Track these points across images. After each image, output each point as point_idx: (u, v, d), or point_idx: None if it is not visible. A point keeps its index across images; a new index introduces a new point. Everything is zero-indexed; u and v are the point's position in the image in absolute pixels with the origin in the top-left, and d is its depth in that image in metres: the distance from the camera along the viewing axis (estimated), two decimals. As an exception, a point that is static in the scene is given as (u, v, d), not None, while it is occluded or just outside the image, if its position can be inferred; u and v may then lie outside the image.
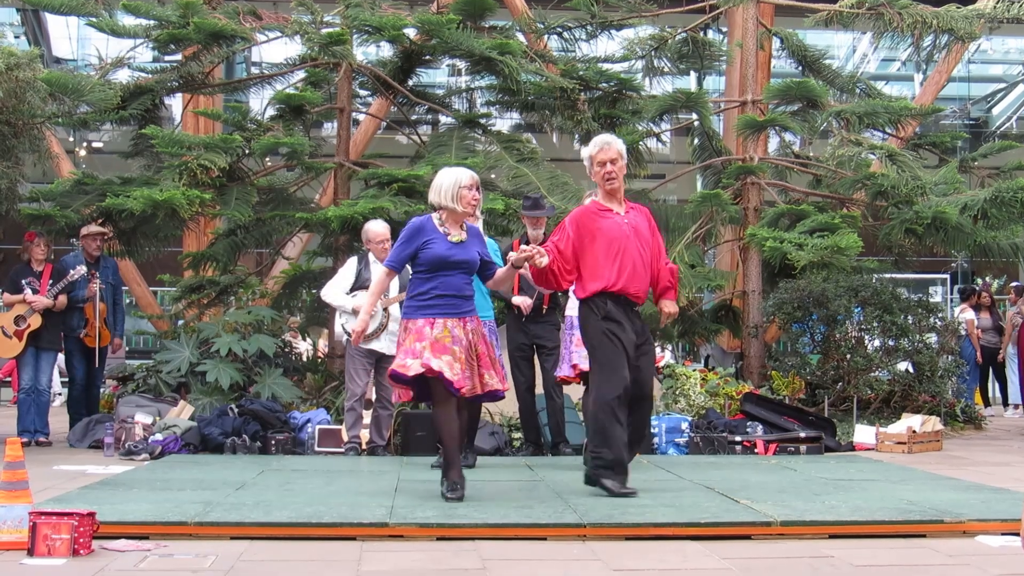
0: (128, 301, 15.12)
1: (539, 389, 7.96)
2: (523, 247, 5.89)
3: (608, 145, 5.89)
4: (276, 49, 13.01)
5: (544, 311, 7.74)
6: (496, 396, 5.76)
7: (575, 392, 8.26)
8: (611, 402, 5.68)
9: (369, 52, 12.98)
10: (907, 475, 6.82)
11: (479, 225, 6.98)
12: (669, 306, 6.07)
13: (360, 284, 7.83)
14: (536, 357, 7.88)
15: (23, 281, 8.67)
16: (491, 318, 7.38)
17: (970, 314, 13.53)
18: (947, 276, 20.30)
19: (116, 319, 9.38)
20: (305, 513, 4.94)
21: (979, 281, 16.73)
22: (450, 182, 5.69)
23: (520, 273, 6.97)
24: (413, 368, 5.43)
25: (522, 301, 7.58)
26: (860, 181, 10.83)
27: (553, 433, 7.94)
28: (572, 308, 7.12)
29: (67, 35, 19.78)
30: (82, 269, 8.76)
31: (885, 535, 4.82)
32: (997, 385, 14.18)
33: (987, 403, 13.52)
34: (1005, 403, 13.87)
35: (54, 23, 19.42)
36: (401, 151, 14.29)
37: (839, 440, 8.87)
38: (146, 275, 15.17)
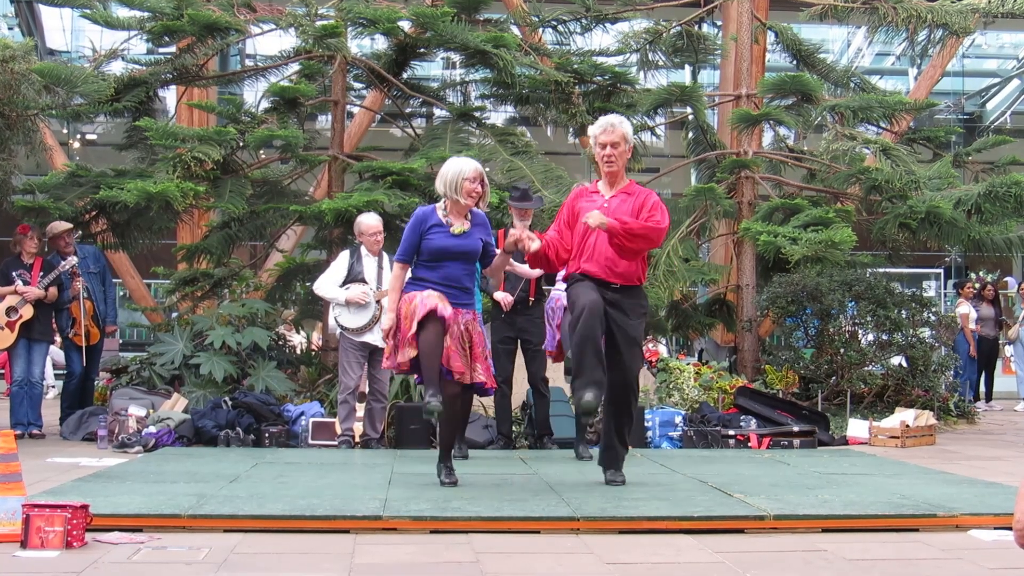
0: (122, 294, 15.08)
1: (526, 384, 7.97)
2: (512, 230, 5.86)
3: (612, 127, 5.76)
4: (270, 41, 12.96)
5: (530, 303, 7.62)
6: (483, 391, 5.83)
7: (567, 386, 8.26)
8: (584, 336, 5.53)
9: (364, 45, 12.96)
10: (900, 469, 6.84)
11: None
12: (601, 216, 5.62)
13: (352, 277, 7.82)
14: (521, 352, 7.79)
15: (13, 273, 8.64)
16: (479, 311, 7.36)
17: (966, 308, 13.51)
18: (941, 271, 20.36)
19: (107, 305, 9.35)
20: (299, 506, 4.94)
21: (972, 276, 16.73)
22: (454, 172, 5.73)
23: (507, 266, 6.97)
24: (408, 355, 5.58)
25: (503, 298, 7.49)
26: (854, 175, 10.84)
27: (539, 426, 7.94)
28: (558, 290, 7.04)
29: (61, 27, 19.69)
30: (73, 259, 8.75)
31: (878, 529, 4.84)
32: (984, 379, 14.15)
33: (978, 397, 13.53)
34: (988, 398, 13.85)
35: (48, 14, 19.33)
36: (395, 144, 14.28)
37: (832, 434, 8.89)
38: (140, 267, 15.12)
